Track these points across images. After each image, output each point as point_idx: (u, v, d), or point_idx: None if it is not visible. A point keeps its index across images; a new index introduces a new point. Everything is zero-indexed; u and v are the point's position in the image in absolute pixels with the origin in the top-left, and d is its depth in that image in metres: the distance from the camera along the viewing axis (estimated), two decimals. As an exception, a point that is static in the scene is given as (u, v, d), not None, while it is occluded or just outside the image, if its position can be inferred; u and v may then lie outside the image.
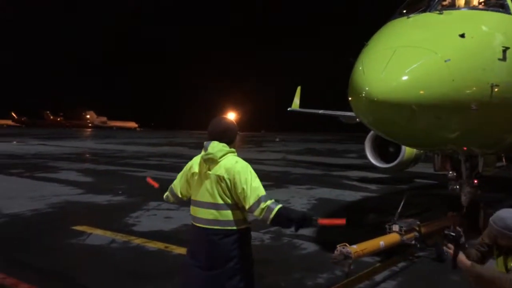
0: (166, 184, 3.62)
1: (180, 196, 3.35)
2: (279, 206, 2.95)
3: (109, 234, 6.85)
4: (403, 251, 5.89)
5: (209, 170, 3.05)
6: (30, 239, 6.59)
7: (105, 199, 10.07)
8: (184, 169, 3.29)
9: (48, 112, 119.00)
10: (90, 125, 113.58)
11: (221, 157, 3.03)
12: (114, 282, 4.89)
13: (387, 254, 5.74)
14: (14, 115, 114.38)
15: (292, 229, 3.02)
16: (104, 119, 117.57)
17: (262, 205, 2.91)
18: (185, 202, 3.52)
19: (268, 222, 2.95)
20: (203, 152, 3.08)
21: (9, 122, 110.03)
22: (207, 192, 3.03)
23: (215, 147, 3.05)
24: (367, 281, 5.06)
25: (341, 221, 3.08)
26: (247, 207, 2.94)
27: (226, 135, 3.13)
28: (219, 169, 3.00)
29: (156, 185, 3.80)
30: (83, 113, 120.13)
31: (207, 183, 3.04)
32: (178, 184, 3.34)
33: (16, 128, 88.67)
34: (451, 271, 5.47)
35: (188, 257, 3.11)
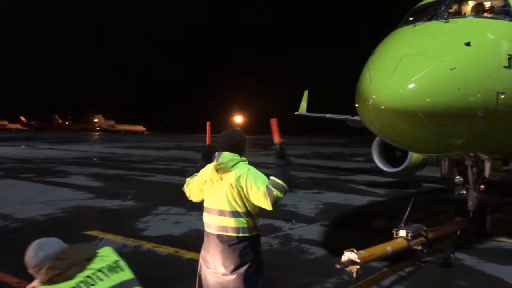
0: (208, 154, 3.64)
1: (190, 197, 3.45)
2: (273, 177, 3.09)
3: (120, 239, 6.98)
4: (410, 256, 5.95)
5: (221, 179, 3.15)
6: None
7: (115, 204, 10.22)
8: (197, 176, 3.39)
9: (56, 116, 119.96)
10: (98, 128, 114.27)
11: (232, 166, 3.14)
12: (127, 286, 4.99)
13: (394, 259, 5.80)
14: (23, 119, 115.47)
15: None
16: (112, 122, 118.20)
17: (274, 191, 3.01)
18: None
19: (287, 188, 3.08)
20: (215, 162, 3.19)
21: (18, 126, 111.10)
22: (219, 199, 3.13)
23: (226, 157, 3.16)
24: (375, 285, 5.13)
25: (274, 123, 3.30)
26: (269, 206, 3.03)
27: (237, 146, 3.25)
28: (231, 178, 3.11)
29: (208, 139, 3.84)
30: (91, 117, 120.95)
31: (219, 191, 3.14)
32: (190, 187, 3.42)
33: (25, 132, 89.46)
34: (458, 276, 5.56)
35: (201, 263, 3.21)
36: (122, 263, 2.25)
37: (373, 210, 10.52)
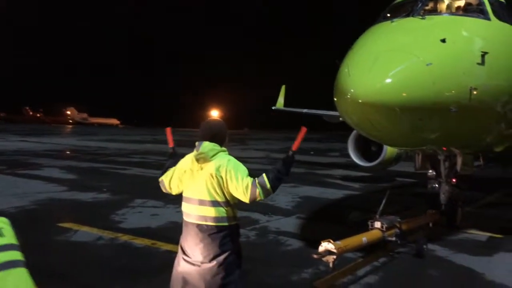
0: (174, 154, 3.65)
1: (169, 190, 3.43)
2: (265, 177, 3.11)
3: (95, 231, 6.89)
4: (384, 247, 6.10)
5: (201, 168, 3.16)
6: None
7: (90, 196, 10.07)
8: (177, 167, 3.38)
9: (27, 108, 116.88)
10: (70, 121, 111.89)
11: (212, 156, 3.15)
12: (103, 278, 4.96)
13: (369, 250, 5.93)
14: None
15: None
16: (85, 115, 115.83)
17: (258, 190, 3.04)
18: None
19: (272, 193, 3.13)
20: (195, 152, 3.19)
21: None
22: (199, 189, 3.13)
23: (207, 146, 3.16)
24: (350, 275, 5.25)
25: (303, 131, 3.37)
26: (247, 200, 3.05)
27: (217, 137, 3.25)
28: (211, 167, 3.11)
29: (171, 143, 3.83)
30: (64, 109, 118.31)
31: (199, 181, 3.14)
32: (168, 178, 3.40)
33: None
34: (430, 266, 5.73)
35: (180, 252, 3.21)
36: (5, 231, 2.25)
37: (349, 203, 10.70)
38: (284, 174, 3.18)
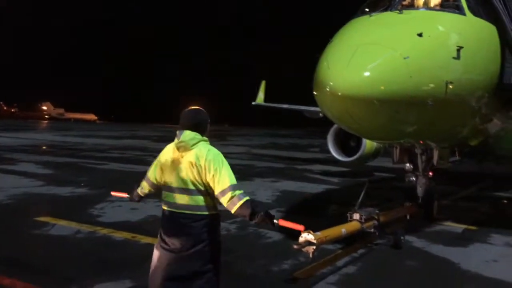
0: (132, 189, 3.79)
1: (155, 182, 3.43)
2: (247, 197, 3.09)
3: (74, 225, 6.80)
4: (363, 238, 6.20)
5: (182, 157, 3.15)
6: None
7: (67, 191, 9.91)
8: (158, 157, 3.37)
9: (1, 102, 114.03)
10: (46, 116, 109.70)
11: (193, 145, 3.15)
12: (84, 271, 4.90)
13: (348, 242, 6.02)
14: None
15: (253, 222, 3.11)
16: (61, 110, 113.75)
17: (231, 193, 3.04)
18: (150, 195, 3.63)
19: (233, 211, 3.06)
20: (176, 140, 3.18)
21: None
22: (179, 178, 3.13)
23: (188, 135, 3.16)
24: (330, 266, 5.32)
25: (300, 227, 3.26)
26: (216, 193, 3.06)
27: (199, 126, 3.25)
28: (191, 156, 3.11)
29: (124, 195, 3.95)
30: (39, 104, 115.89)
31: (179, 170, 3.14)
32: (153, 172, 3.42)
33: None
34: (407, 257, 5.85)
35: (159, 240, 3.20)
36: None
37: (328, 197, 10.82)
38: (250, 218, 3.08)
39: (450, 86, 5.29)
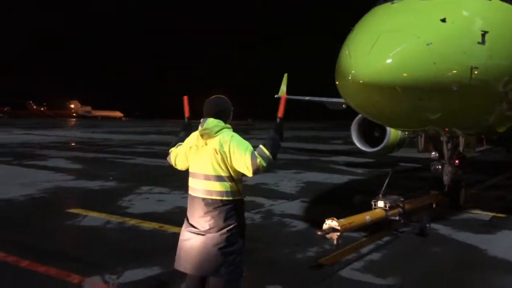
0: (188, 125, 3.70)
1: (173, 164, 3.53)
2: (262, 146, 3.18)
3: (103, 216, 7.03)
4: (388, 226, 6.20)
5: (206, 144, 3.24)
6: (26, 222, 6.74)
7: (96, 185, 10.21)
8: (183, 144, 3.47)
9: (31, 102, 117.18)
10: (74, 114, 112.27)
11: (217, 132, 3.23)
12: (114, 258, 5.07)
13: (373, 230, 6.04)
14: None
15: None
16: (88, 108, 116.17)
17: (258, 159, 3.11)
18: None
19: (273, 160, 3.17)
20: (200, 128, 3.27)
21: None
22: (204, 164, 3.22)
23: (211, 122, 3.25)
24: (355, 253, 5.36)
25: (283, 98, 3.44)
26: (250, 172, 3.13)
27: (222, 113, 3.33)
28: (215, 143, 3.20)
29: (187, 112, 3.83)
30: (67, 103, 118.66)
31: (204, 156, 3.23)
32: (174, 154, 3.50)
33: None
34: (433, 244, 5.83)
35: (185, 224, 3.31)
36: None
37: (352, 188, 10.80)
38: (279, 140, 3.26)
39: (475, 72, 5.22)
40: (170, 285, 4.32)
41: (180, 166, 3.49)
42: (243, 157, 3.12)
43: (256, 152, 3.15)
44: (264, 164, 3.13)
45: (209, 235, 3.13)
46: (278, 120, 3.35)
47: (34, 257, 5.05)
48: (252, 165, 3.11)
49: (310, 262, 5.04)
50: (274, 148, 3.20)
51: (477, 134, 7.93)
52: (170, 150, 3.58)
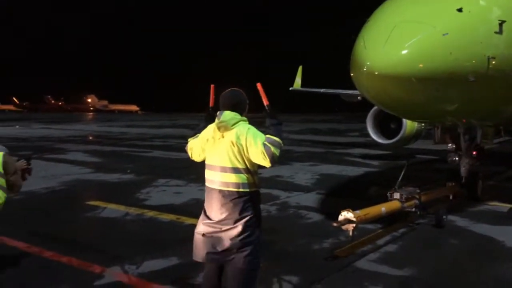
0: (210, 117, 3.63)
1: (190, 155, 3.59)
2: (268, 135, 3.21)
3: (122, 208, 7.17)
4: (404, 218, 6.20)
5: (223, 136, 3.30)
6: (48, 213, 6.93)
7: (114, 177, 10.39)
8: (200, 136, 3.53)
9: (49, 96, 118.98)
10: (91, 108, 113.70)
11: (233, 124, 3.27)
12: (133, 249, 5.19)
13: (389, 221, 6.05)
14: (16, 100, 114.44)
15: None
16: (105, 102, 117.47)
17: (271, 148, 3.14)
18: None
19: (282, 144, 3.23)
20: (216, 120, 3.33)
21: (11, 107, 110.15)
22: (220, 156, 3.28)
23: (228, 115, 3.29)
24: (370, 244, 5.38)
25: (259, 86, 3.48)
26: (268, 162, 3.17)
27: (238, 106, 3.38)
28: (232, 136, 3.24)
29: (212, 102, 3.78)
30: (84, 97, 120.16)
31: (220, 148, 3.28)
32: (191, 147, 3.56)
33: (17, 113, 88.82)
34: (450, 236, 5.81)
35: (202, 216, 3.38)
36: None
37: (368, 180, 10.77)
38: (277, 123, 3.32)
39: (493, 62, 5.16)
40: (188, 275, 4.40)
41: (196, 158, 3.55)
42: (259, 148, 3.17)
43: (266, 142, 3.19)
44: (277, 152, 3.16)
45: (226, 228, 3.19)
46: (267, 108, 3.41)
47: (57, 248, 5.20)
48: (268, 156, 3.15)
49: (326, 254, 5.08)
50: (278, 132, 3.26)
51: (495, 125, 7.86)
52: (189, 140, 3.65)
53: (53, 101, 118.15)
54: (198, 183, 8.61)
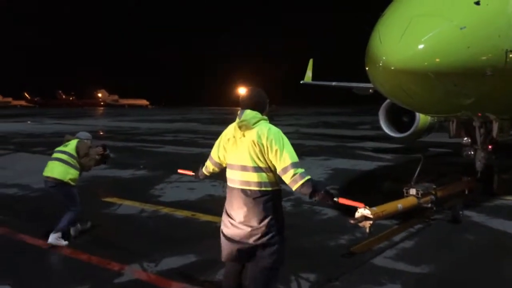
0: (196, 169, 3.99)
1: (218, 161, 3.60)
2: (308, 177, 3.20)
3: (137, 205, 7.23)
4: (420, 214, 6.16)
5: (244, 135, 3.30)
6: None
7: (128, 173, 10.47)
8: (220, 137, 3.54)
9: (60, 91, 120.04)
10: (102, 103, 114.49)
11: (254, 123, 3.27)
12: (150, 246, 5.24)
13: (405, 218, 6.02)
14: (27, 96, 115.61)
15: (313, 200, 3.30)
16: (115, 97, 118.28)
17: (294, 171, 3.14)
18: (214, 174, 3.83)
19: (294, 188, 3.18)
20: (237, 119, 3.33)
21: (22, 102, 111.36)
22: (242, 155, 3.28)
23: (248, 114, 3.29)
24: (387, 241, 5.36)
25: (360, 204, 3.50)
26: (278, 170, 3.19)
27: (258, 105, 3.38)
28: (253, 135, 3.25)
29: (190, 173, 4.23)
30: (95, 92, 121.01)
31: (241, 148, 3.29)
32: (216, 151, 3.58)
33: (29, 109, 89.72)
34: (466, 231, 5.77)
35: (225, 216, 3.39)
36: (71, 146, 5.82)
37: (382, 174, 10.71)
38: (311, 196, 3.25)
39: (511, 55, 5.08)
40: (206, 273, 4.43)
41: (223, 159, 3.55)
42: (279, 152, 3.16)
43: (307, 177, 3.18)
44: (289, 180, 3.17)
45: (249, 228, 3.20)
46: (334, 202, 3.34)
47: (76, 245, 5.27)
48: (285, 168, 3.16)
49: (343, 250, 5.08)
50: (314, 186, 3.21)
51: (511, 118, 7.74)
52: (208, 160, 3.73)
53: (64, 96, 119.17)
54: (212, 178, 8.59)
